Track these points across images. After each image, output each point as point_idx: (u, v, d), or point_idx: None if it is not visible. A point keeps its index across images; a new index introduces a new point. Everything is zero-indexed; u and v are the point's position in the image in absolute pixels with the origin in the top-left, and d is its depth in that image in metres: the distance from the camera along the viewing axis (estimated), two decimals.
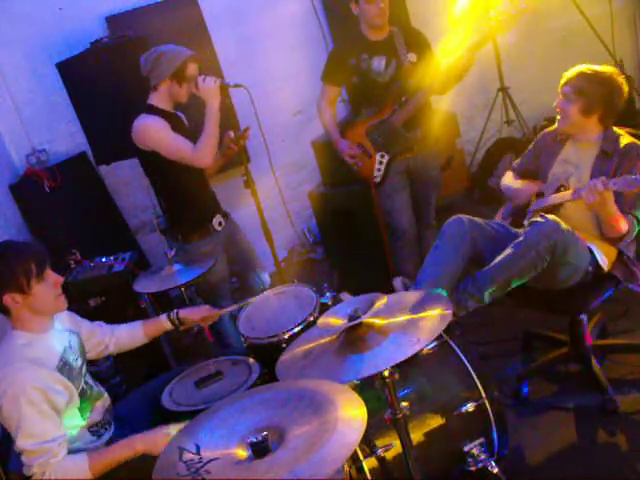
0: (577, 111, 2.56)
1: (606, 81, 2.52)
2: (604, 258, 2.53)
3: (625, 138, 2.56)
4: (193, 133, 3.00)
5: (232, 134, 3.04)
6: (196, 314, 2.53)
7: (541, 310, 2.80)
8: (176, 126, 2.95)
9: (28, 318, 2.05)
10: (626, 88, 2.56)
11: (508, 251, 2.45)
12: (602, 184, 2.26)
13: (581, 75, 2.56)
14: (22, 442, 1.90)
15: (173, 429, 2.03)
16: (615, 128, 2.61)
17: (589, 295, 2.58)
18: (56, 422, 1.96)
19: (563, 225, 2.41)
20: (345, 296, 2.69)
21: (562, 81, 2.62)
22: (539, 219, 2.44)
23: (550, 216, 2.45)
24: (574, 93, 2.56)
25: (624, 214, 2.43)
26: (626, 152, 2.50)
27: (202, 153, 2.87)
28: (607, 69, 2.56)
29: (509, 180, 2.95)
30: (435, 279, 2.56)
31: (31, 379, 1.92)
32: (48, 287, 2.05)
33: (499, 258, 2.48)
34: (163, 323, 2.51)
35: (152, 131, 2.88)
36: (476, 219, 2.70)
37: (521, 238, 2.44)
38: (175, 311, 2.51)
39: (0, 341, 2.08)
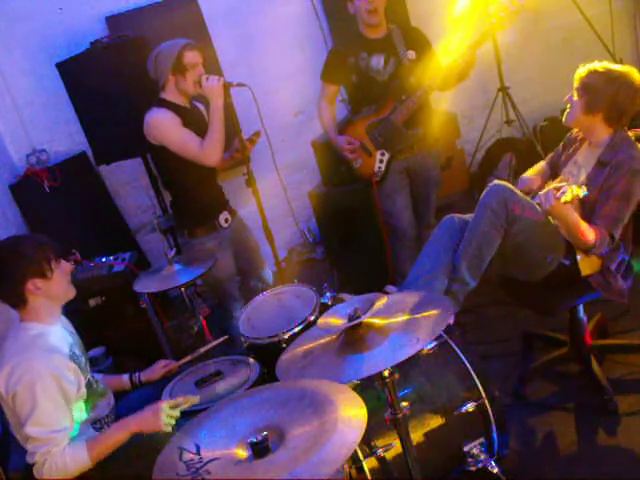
0: (581, 108, 2.52)
1: (613, 80, 2.45)
2: (586, 262, 2.49)
3: (628, 149, 2.47)
4: (205, 126, 3.00)
5: (242, 136, 3.03)
6: (156, 374, 2.55)
7: (531, 309, 2.79)
8: (189, 120, 2.96)
9: (42, 308, 2.10)
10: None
11: (470, 221, 2.53)
12: (553, 192, 2.22)
13: (592, 72, 2.51)
14: (31, 429, 1.93)
15: (165, 405, 2.03)
16: (630, 133, 2.54)
17: (567, 295, 2.58)
18: (66, 412, 2.00)
19: (512, 188, 2.48)
20: (346, 296, 2.69)
21: (576, 76, 2.57)
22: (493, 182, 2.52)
23: (500, 181, 2.53)
24: (581, 89, 2.52)
25: (597, 227, 2.39)
26: (619, 165, 2.43)
27: (208, 151, 2.89)
28: (622, 68, 2.49)
29: (532, 169, 2.95)
30: (425, 278, 2.58)
31: (47, 366, 1.96)
32: (63, 273, 2.15)
33: (466, 232, 2.54)
34: (124, 383, 2.54)
35: (161, 125, 2.90)
36: (467, 217, 2.71)
37: (478, 203, 2.51)
38: (137, 374, 2.55)
39: (9, 332, 2.11)
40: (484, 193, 2.51)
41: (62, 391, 1.98)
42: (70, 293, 2.21)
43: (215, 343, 2.63)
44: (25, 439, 1.96)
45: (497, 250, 2.52)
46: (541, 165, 2.91)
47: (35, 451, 1.93)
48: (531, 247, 2.49)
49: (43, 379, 1.94)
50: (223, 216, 3.13)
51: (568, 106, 2.60)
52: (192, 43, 2.94)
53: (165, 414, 2.00)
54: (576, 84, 2.56)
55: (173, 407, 2.04)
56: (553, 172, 2.83)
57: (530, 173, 2.87)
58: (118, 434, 2.02)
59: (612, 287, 2.51)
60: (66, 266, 2.18)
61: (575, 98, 2.55)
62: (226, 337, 2.67)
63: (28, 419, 1.92)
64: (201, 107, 3.16)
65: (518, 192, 2.48)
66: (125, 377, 2.54)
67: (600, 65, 2.52)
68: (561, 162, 2.77)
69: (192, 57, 2.90)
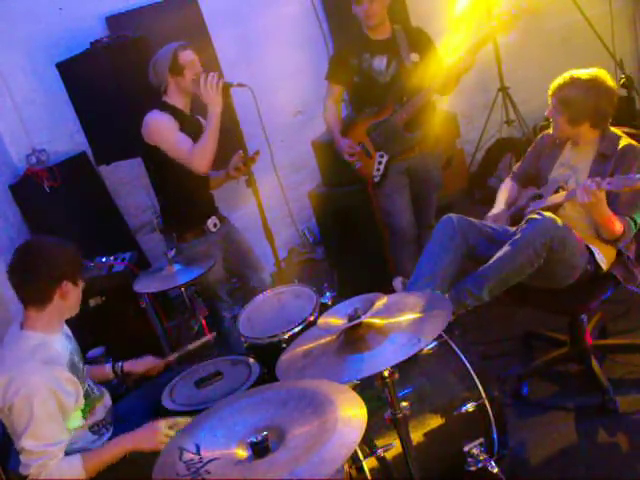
0: (565, 122, 2.58)
1: (589, 89, 2.50)
2: (603, 257, 2.53)
3: (623, 140, 2.55)
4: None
5: (242, 153, 3.03)
6: (140, 366, 2.54)
7: (541, 310, 2.80)
8: (187, 125, 2.97)
9: (54, 315, 2.11)
10: (614, 89, 2.54)
11: (506, 248, 2.46)
12: (595, 184, 2.27)
13: (565, 85, 2.55)
14: (26, 442, 1.92)
15: (163, 424, 2.04)
16: (614, 129, 2.60)
17: (589, 294, 2.58)
18: (61, 426, 1.99)
19: (559, 221, 2.43)
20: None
21: (549, 91, 2.62)
22: (536, 216, 2.45)
23: (546, 213, 2.46)
24: (560, 104, 2.56)
25: (619, 216, 2.43)
26: (623, 154, 2.49)
27: (198, 156, 2.87)
28: (591, 74, 2.53)
29: (502, 193, 2.95)
30: (427, 277, 2.58)
31: (45, 380, 1.95)
32: (81, 286, 2.17)
33: (497, 255, 2.48)
34: (107, 373, 2.53)
35: (158, 125, 2.90)
36: (467, 217, 2.71)
37: (518, 235, 2.45)
38: (120, 363, 2.53)
39: (8, 340, 2.10)
40: (527, 227, 2.43)
41: (59, 404, 1.97)
42: (77, 309, 2.22)
43: (203, 340, 2.63)
44: (20, 451, 1.95)
45: None
46: (509, 185, 2.91)
47: (30, 464, 1.92)
48: (565, 267, 2.48)
49: (41, 393, 1.92)
50: (211, 221, 3.12)
51: (551, 120, 2.62)
52: (185, 44, 2.96)
53: (162, 434, 2.01)
54: (553, 100, 2.59)
55: (171, 427, 2.04)
56: (528, 181, 2.83)
57: (502, 198, 2.88)
58: (114, 451, 2.03)
59: (636, 277, 2.54)
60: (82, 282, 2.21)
61: (556, 113, 2.58)
62: (213, 334, 2.66)
63: (24, 432, 1.91)
64: (202, 120, 3.15)
65: (561, 223, 2.41)
66: (108, 366, 2.53)
67: (569, 76, 2.55)
68: (541, 169, 2.78)
69: (187, 55, 2.92)
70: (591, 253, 2.51)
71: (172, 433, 2.02)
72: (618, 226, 2.42)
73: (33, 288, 2.06)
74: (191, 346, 2.60)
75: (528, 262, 2.40)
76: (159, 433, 2.00)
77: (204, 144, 2.88)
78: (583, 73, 2.54)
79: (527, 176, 2.88)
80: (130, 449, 2.03)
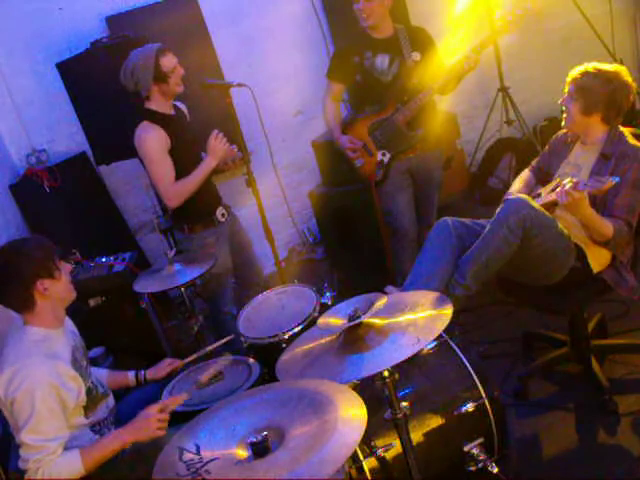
0: (578, 110, 2.55)
1: (609, 80, 2.49)
2: (595, 259, 2.51)
3: (627, 141, 2.53)
4: (192, 129, 3.04)
5: (236, 148, 3.05)
6: (162, 371, 2.54)
7: (539, 310, 2.80)
8: (176, 128, 2.96)
9: (49, 311, 2.09)
10: (633, 87, 2.53)
11: (484, 232, 2.50)
12: (571, 185, 2.27)
13: (585, 74, 2.54)
14: (26, 436, 1.92)
15: (154, 410, 2.04)
16: (622, 128, 2.58)
17: (579, 294, 2.57)
18: (62, 421, 1.99)
19: (533, 203, 2.44)
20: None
21: (568, 78, 2.61)
22: (510, 196, 2.47)
23: (522, 195, 2.48)
24: (576, 92, 2.55)
25: (613, 218, 2.42)
26: (624, 155, 2.48)
27: (173, 195, 2.94)
28: (613, 68, 2.53)
29: (517, 182, 2.95)
30: (425, 279, 2.58)
31: (47, 374, 1.96)
32: (66, 274, 2.15)
33: (477, 240, 2.51)
34: (128, 380, 2.53)
35: (150, 147, 2.90)
36: (462, 219, 2.72)
37: (494, 217, 2.48)
38: (143, 372, 2.54)
39: (11, 334, 2.10)
40: (501, 207, 2.47)
41: (60, 400, 1.98)
42: (73, 294, 2.21)
43: (222, 342, 2.63)
44: (19, 445, 1.95)
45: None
46: (526, 175, 2.91)
47: (28, 458, 1.92)
48: (546, 257, 2.48)
49: (43, 388, 1.93)
50: (220, 211, 3.16)
51: (564, 109, 2.62)
52: (163, 47, 2.92)
53: (155, 419, 2.01)
54: (570, 87, 2.59)
55: (162, 410, 2.04)
56: (541, 178, 2.83)
57: (517, 187, 2.86)
58: (112, 445, 2.02)
59: (627, 282, 2.52)
60: (67, 266, 2.18)
61: (571, 101, 2.57)
62: (232, 336, 2.66)
63: (24, 426, 1.92)
64: (182, 107, 3.16)
65: (537, 206, 2.44)
66: (130, 374, 2.54)
67: (591, 66, 2.55)
68: (552, 166, 2.78)
69: (169, 61, 2.89)
70: (582, 253, 2.50)
71: (165, 417, 2.03)
72: (607, 228, 2.39)
73: (9, 300, 2.07)
74: (210, 347, 2.61)
75: (504, 242, 2.41)
76: (152, 420, 2.01)
77: (185, 186, 2.94)
78: (606, 66, 2.54)
79: (541, 171, 2.86)
80: (128, 442, 2.02)
